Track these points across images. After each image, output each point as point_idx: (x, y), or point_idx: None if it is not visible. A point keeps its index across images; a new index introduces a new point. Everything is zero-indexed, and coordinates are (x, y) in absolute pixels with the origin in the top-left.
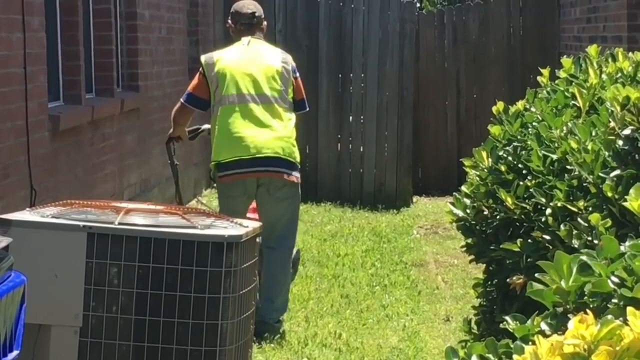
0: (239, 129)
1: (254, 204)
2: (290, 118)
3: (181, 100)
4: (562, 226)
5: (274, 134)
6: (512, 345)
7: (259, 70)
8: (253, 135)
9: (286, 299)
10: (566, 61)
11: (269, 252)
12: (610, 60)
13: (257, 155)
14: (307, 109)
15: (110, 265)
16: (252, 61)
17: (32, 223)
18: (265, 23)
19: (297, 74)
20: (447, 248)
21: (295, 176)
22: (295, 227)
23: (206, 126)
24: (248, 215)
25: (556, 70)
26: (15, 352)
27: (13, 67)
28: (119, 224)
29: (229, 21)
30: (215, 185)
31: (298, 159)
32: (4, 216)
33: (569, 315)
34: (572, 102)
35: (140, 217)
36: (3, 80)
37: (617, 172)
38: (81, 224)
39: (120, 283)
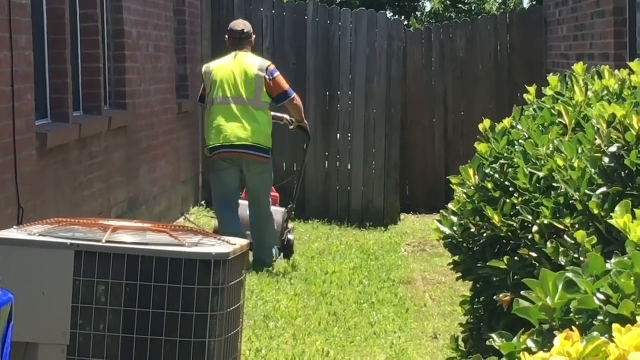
0: (222, 123)
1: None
2: (261, 116)
3: (198, 101)
4: (549, 244)
5: (245, 128)
6: None
7: (239, 79)
8: (231, 128)
9: (273, 239)
10: (552, 79)
11: (253, 211)
12: (596, 77)
13: (235, 143)
14: (291, 96)
15: (97, 283)
16: (235, 71)
17: (19, 241)
18: (254, 37)
19: (275, 75)
20: (434, 265)
21: (265, 157)
22: (269, 191)
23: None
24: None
25: (543, 88)
26: None
27: (0, 85)
28: (107, 242)
29: (226, 35)
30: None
31: (266, 144)
32: None
33: (555, 332)
34: (559, 119)
35: (127, 235)
36: None
37: (604, 189)
38: (68, 242)
39: (107, 301)
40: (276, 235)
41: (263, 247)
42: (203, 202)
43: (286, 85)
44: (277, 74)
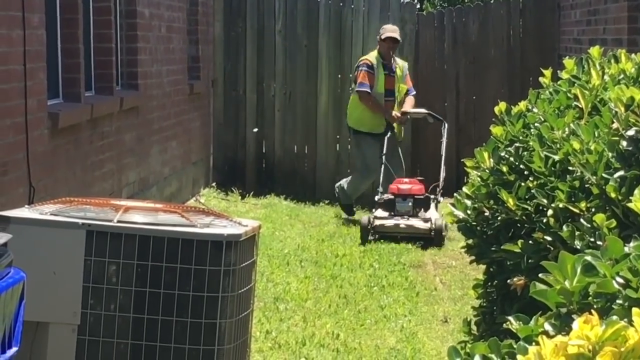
0: None
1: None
2: (352, 100)
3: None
4: (564, 227)
5: None
6: (515, 346)
7: None
8: None
9: (346, 195)
10: (569, 62)
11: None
12: (612, 61)
13: None
14: (357, 88)
15: (109, 263)
16: None
17: (31, 220)
18: (378, 39)
19: (358, 69)
20: (445, 249)
21: (350, 133)
22: (354, 160)
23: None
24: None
25: (558, 72)
26: (14, 349)
27: (13, 64)
28: (118, 221)
29: None
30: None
31: (350, 124)
32: (2, 213)
33: (572, 315)
34: (575, 103)
35: (139, 215)
36: (2, 77)
37: (621, 173)
38: (80, 221)
39: (118, 281)
40: (349, 195)
41: (342, 194)
42: (214, 184)
43: (359, 80)
44: (359, 69)
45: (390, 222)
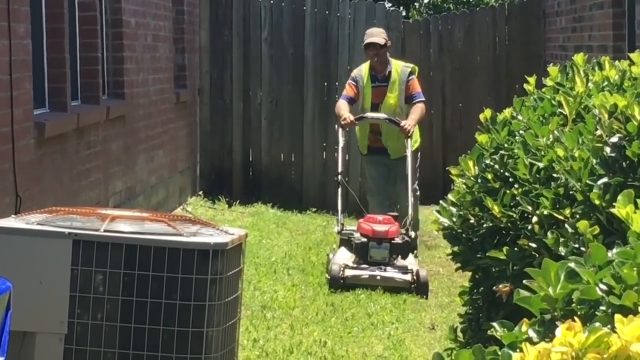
0: None
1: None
2: None
3: None
4: (549, 234)
5: None
6: (499, 353)
7: None
8: None
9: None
10: (553, 69)
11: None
12: (596, 68)
13: None
14: None
15: (95, 272)
16: None
17: (17, 230)
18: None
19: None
20: (432, 257)
21: None
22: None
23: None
24: None
25: (543, 79)
26: (1, 359)
27: None
28: (105, 231)
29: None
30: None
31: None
32: None
33: (556, 322)
34: (559, 110)
35: (125, 224)
36: None
37: (605, 179)
38: (67, 231)
39: (105, 290)
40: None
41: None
42: (200, 192)
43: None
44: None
45: (364, 274)
